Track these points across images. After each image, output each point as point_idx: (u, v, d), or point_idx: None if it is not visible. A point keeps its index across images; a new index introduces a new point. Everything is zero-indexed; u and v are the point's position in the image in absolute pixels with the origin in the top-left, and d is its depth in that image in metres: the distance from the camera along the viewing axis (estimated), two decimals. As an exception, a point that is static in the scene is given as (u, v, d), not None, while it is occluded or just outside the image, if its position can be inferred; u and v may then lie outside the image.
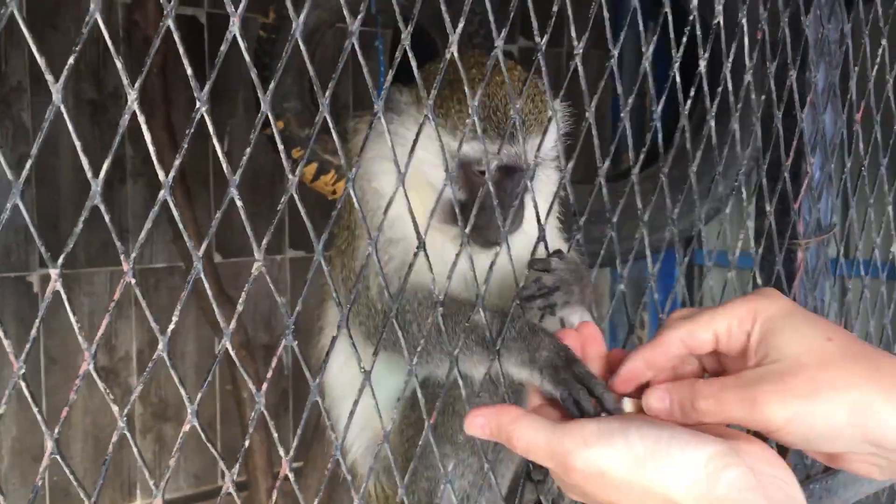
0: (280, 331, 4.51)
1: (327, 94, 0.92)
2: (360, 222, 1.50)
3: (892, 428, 0.82)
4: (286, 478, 1.00)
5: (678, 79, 1.24)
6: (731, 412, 0.86)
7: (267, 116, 0.92)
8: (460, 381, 1.09)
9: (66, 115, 0.77)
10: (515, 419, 0.89)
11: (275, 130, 0.98)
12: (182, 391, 0.88)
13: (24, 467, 3.82)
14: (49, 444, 0.80)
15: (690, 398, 0.88)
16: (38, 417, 0.80)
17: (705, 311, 0.94)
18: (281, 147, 0.97)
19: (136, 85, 0.79)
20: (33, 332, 0.79)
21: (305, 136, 3.13)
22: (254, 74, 0.89)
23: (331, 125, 0.96)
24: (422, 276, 1.04)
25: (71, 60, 0.76)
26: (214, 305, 0.90)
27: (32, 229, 0.76)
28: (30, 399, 0.79)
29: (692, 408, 0.88)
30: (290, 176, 0.91)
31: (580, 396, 1.00)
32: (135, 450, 0.88)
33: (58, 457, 0.81)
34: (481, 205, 1.05)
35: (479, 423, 0.91)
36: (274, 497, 1.14)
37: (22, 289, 3.88)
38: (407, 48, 0.95)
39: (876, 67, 1.66)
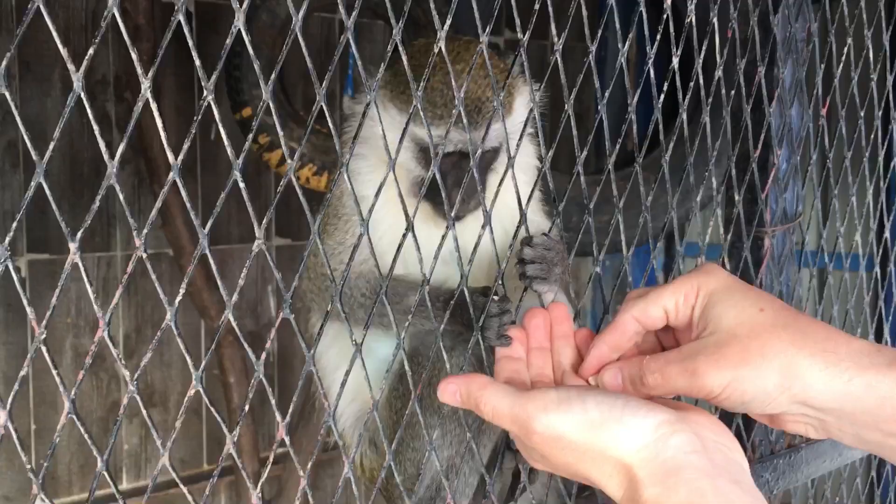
0: (266, 318, 4.57)
1: (324, 84, 0.98)
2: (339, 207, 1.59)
3: (817, 389, 0.90)
4: (282, 442, 1.06)
5: (652, 74, 1.32)
6: (675, 384, 0.94)
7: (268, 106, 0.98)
8: (444, 355, 1.16)
9: (86, 103, 0.84)
10: (483, 386, 0.97)
11: (275, 118, 1.04)
12: (187, 357, 0.94)
13: (11, 449, 3.86)
14: (66, 405, 0.87)
15: (639, 374, 0.97)
16: (57, 379, 0.86)
17: (655, 288, 1.03)
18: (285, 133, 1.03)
19: (150, 74, 0.85)
20: (53, 299, 0.86)
21: (272, 124, 3.19)
22: (257, 66, 0.96)
23: (328, 117, 1.02)
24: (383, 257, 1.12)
25: (91, 51, 0.82)
26: (222, 288, 0.97)
27: (57, 212, 0.82)
28: (50, 363, 0.85)
29: (641, 382, 0.97)
30: (289, 161, 0.97)
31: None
32: (148, 420, 0.95)
33: (74, 416, 0.87)
34: (433, 185, 1.11)
35: (451, 391, 0.99)
36: (262, 480, 1.20)
37: (8, 273, 3.91)
38: (399, 42, 1.02)
39: (841, 65, 1.74)
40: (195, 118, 0.92)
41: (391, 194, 1.08)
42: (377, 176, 1.07)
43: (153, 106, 0.87)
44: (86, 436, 0.89)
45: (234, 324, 0.98)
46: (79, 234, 0.84)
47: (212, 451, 4.43)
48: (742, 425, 1.63)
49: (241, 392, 3.71)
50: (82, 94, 0.82)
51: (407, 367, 1.13)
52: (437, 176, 1.08)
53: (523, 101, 1.57)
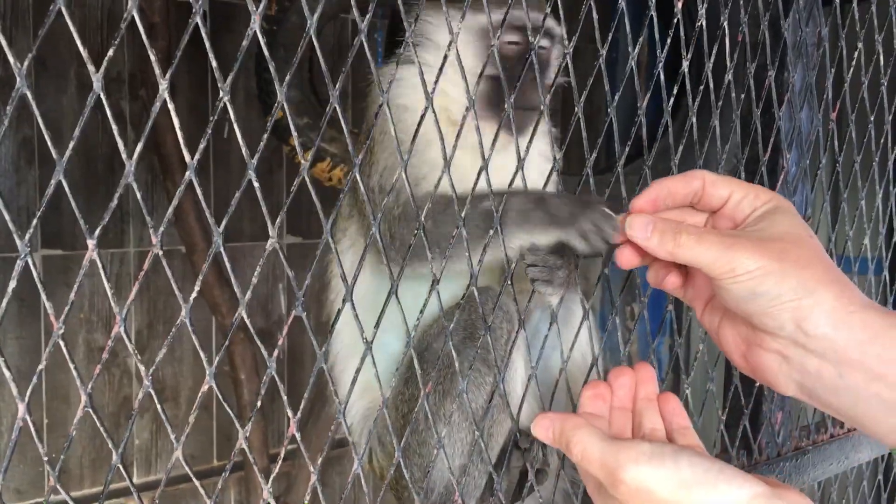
0: (276, 315, 4.60)
1: (338, 86, 1.00)
2: (378, 146, 1.56)
3: (822, 310, 0.91)
4: (292, 438, 1.08)
5: (662, 77, 1.33)
6: (705, 252, 0.94)
7: (284, 108, 0.99)
8: (454, 354, 1.17)
9: (105, 104, 0.85)
10: (577, 426, 0.96)
11: (287, 116, 1.05)
12: (201, 354, 0.96)
13: (24, 443, 3.89)
14: (83, 398, 0.89)
15: (673, 230, 0.97)
16: (74, 373, 0.88)
17: (730, 177, 1.05)
18: (296, 135, 1.05)
19: (167, 75, 0.87)
20: (71, 295, 0.88)
21: (304, 124, 3.21)
22: (272, 66, 0.97)
23: (339, 114, 1.04)
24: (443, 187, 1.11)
25: (110, 52, 0.84)
26: (236, 286, 0.98)
27: (77, 211, 0.84)
28: (67, 356, 0.87)
29: (672, 237, 0.96)
30: (302, 161, 0.99)
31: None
32: (163, 415, 0.96)
33: (90, 410, 0.89)
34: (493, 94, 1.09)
35: (545, 426, 0.98)
36: (273, 476, 1.22)
37: (22, 268, 3.95)
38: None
39: (852, 69, 1.75)
40: (211, 118, 0.93)
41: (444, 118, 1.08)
42: (443, 105, 1.09)
43: (171, 108, 0.89)
44: (101, 429, 0.91)
45: (247, 321, 1.00)
46: (97, 232, 0.86)
47: (221, 446, 4.46)
48: (748, 427, 1.64)
49: (252, 388, 3.73)
50: (102, 95, 0.84)
51: (416, 366, 1.14)
52: (496, 59, 1.09)
53: (557, 53, 1.61)
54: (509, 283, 1.25)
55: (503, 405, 1.42)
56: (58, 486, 0.89)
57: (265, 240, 1.00)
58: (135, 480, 4.25)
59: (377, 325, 1.09)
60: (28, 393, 0.85)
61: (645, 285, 1.41)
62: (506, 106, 1.14)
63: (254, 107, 4.03)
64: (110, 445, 0.93)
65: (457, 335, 1.39)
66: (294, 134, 1.04)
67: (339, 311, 1.06)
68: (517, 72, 1.24)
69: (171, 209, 0.92)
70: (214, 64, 0.92)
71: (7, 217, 0.84)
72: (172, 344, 4.61)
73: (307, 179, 1.02)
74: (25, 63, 0.79)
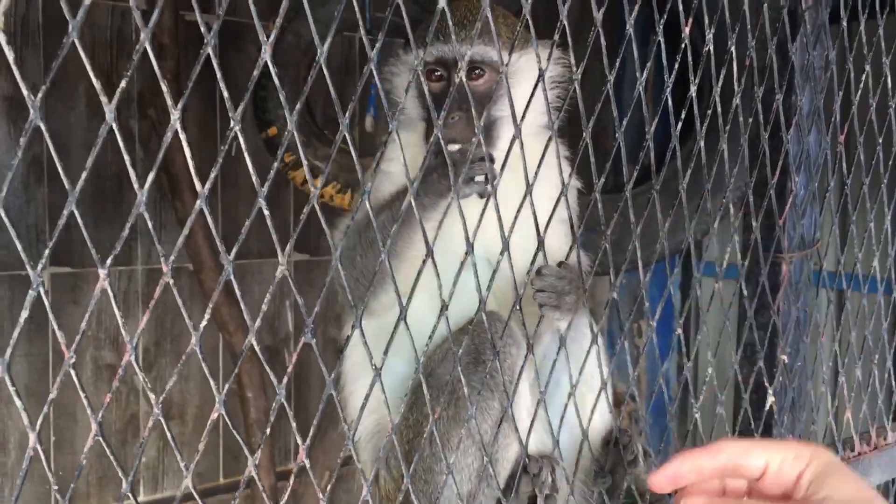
0: (283, 333, 4.60)
1: (349, 110, 1.01)
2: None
3: None
4: (301, 468, 1.08)
5: (670, 102, 1.33)
6: None
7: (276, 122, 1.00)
8: (462, 379, 1.17)
9: (116, 131, 0.86)
10: None
11: (293, 128, 1.06)
12: (211, 382, 0.96)
13: (31, 462, 3.88)
14: (94, 427, 0.89)
15: None
16: (85, 402, 0.88)
17: (761, 440, 1.01)
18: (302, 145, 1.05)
19: (179, 105, 0.88)
20: (83, 324, 0.88)
21: (300, 142, 3.24)
22: (281, 93, 0.98)
23: (346, 134, 1.04)
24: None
25: (123, 84, 0.84)
26: (242, 305, 0.99)
27: (88, 239, 0.84)
28: (78, 386, 0.88)
29: None
30: (312, 188, 0.99)
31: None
32: (171, 440, 0.96)
33: (100, 438, 0.89)
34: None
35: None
36: (287, 494, 1.22)
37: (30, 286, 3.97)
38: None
39: (859, 92, 1.75)
40: (221, 147, 0.94)
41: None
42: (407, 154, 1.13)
43: (182, 137, 0.90)
44: (111, 458, 0.91)
45: (256, 348, 1.00)
46: (108, 262, 0.86)
47: (228, 464, 4.46)
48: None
49: (259, 406, 3.73)
50: (114, 126, 0.85)
51: (426, 391, 1.14)
52: (424, 86, 1.11)
53: (529, 61, 1.60)
54: (518, 308, 1.25)
55: (510, 430, 1.42)
56: (67, 515, 0.89)
57: (273, 256, 1.01)
58: (142, 498, 4.25)
59: (386, 350, 1.09)
60: (39, 423, 0.85)
61: (654, 308, 1.40)
62: (429, 139, 1.16)
63: (245, 119, 4.06)
64: (120, 474, 0.93)
65: (462, 360, 1.40)
66: (304, 163, 1.04)
67: (348, 338, 1.06)
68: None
69: (181, 240, 0.93)
70: (226, 95, 0.93)
71: (19, 247, 0.84)
72: (178, 361, 4.60)
73: (316, 206, 1.03)
74: (39, 95, 0.79)
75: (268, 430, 1.05)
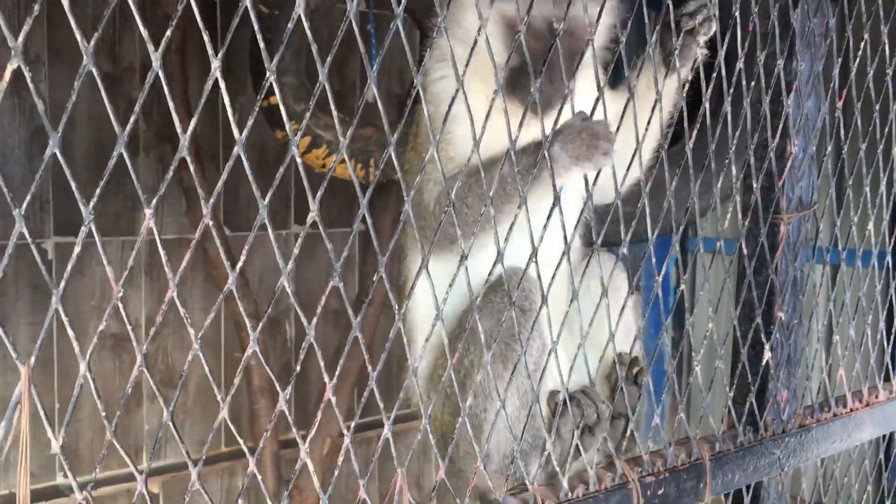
0: (284, 304, 4.65)
1: (326, 65, 1.05)
2: (424, 143, 1.63)
3: None
4: (342, 432, 1.14)
5: (678, 65, 1.38)
6: None
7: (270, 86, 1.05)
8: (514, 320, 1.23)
9: (97, 78, 0.91)
10: None
11: (280, 102, 1.11)
12: (216, 392, 1.02)
13: (36, 427, 3.95)
14: (82, 368, 0.94)
15: None
16: (75, 344, 0.93)
17: None
18: (284, 112, 1.11)
19: (159, 52, 0.92)
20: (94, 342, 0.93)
21: (301, 110, 3.26)
22: (263, 52, 1.03)
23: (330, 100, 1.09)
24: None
25: (138, 106, 0.89)
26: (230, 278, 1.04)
27: (78, 195, 0.89)
28: (71, 336, 0.93)
29: None
30: (293, 149, 1.04)
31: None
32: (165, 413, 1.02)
33: (87, 375, 0.95)
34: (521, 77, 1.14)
35: None
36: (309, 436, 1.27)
37: (34, 255, 4.02)
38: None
39: (858, 59, 1.80)
40: (205, 87, 0.99)
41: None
42: (471, 86, 1.17)
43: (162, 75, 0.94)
44: (98, 401, 0.96)
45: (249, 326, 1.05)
46: (153, 202, 0.91)
47: (230, 432, 4.51)
48: (755, 404, 1.70)
49: (262, 373, 3.79)
50: (94, 69, 0.89)
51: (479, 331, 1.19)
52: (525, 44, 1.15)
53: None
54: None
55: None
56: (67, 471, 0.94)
57: (277, 228, 1.05)
58: (144, 465, 4.32)
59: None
60: (61, 426, 0.90)
61: (659, 267, 1.47)
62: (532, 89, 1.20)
63: (245, 92, 4.07)
64: (107, 429, 0.97)
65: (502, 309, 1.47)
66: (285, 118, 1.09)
67: (414, 281, 1.12)
68: (541, 58, 1.32)
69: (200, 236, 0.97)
70: (207, 38, 0.97)
71: (20, 219, 0.89)
72: (182, 331, 4.66)
73: (299, 165, 1.08)
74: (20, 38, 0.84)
75: (271, 428, 1.11)
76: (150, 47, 0.89)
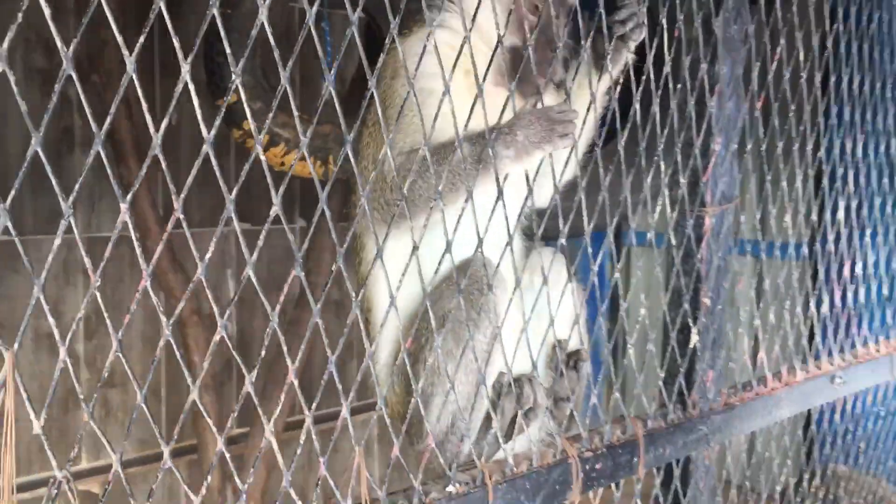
0: (225, 300, 4.66)
1: (288, 67, 1.13)
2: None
3: None
4: (246, 421, 1.21)
5: (611, 67, 1.49)
6: None
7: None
8: (462, 306, 1.32)
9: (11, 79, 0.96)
10: None
11: (245, 103, 1.18)
12: (188, 371, 1.08)
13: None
14: (7, 357, 1.00)
15: None
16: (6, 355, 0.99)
17: None
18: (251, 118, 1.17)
19: (71, 49, 0.98)
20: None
21: (257, 109, 3.29)
22: (229, 55, 1.09)
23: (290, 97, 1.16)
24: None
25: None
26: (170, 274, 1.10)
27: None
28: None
29: None
30: (258, 146, 1.11)
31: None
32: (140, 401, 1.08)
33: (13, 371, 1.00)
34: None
35: None
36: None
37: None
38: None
39: (775, 63, 1.95)
40: (122, 82, 1.05)
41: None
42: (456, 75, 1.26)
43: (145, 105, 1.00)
44: (27, 403, 1.01)
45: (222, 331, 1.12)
46: (128, 197, 0.97)
47: (171, 431, 4.52)
48: (684, 384, 1.82)
49: (206, 370, 3.80)
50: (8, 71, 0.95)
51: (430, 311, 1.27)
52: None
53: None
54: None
55: (497, 354, 1.57)
56: None
57: (214, 225, 1.09)
58: (84, 465, 4.28)
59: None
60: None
61: (595, 255, 1.57)
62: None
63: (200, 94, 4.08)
64: (36, 425, 1.02)
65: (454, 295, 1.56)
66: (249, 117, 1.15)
67: (376, 259, 1.19)
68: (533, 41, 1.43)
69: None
70: (120, 39, 1.04)
71: None
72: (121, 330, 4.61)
73: (264, 162, 1.14)
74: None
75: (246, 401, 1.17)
76: (125, 52, 0.95)
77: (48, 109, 0.94)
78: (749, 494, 2.30)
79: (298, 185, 4.77)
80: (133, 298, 1.02)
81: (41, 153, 0.95)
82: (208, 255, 1.10)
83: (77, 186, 1.00)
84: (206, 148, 1.05)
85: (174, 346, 1.13)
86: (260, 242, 1.15)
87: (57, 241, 0.96)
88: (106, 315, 1.04)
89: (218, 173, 1.11)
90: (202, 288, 1.16)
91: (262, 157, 1.14)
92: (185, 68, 1.01)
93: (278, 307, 1.16)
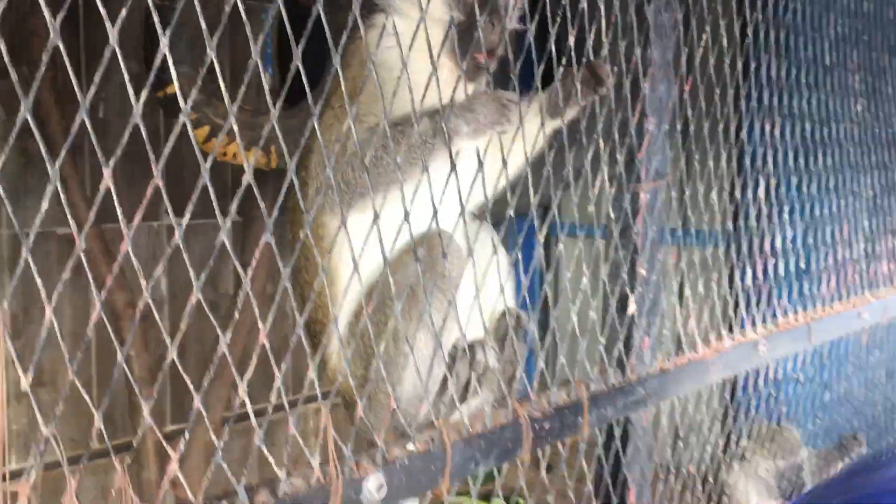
0: (159, 293, 4.60)
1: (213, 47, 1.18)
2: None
3: None
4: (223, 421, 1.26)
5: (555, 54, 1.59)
6: None
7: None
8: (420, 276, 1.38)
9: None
10: None
11: (179, 95, 1.22)
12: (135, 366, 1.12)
13: None
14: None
15: None
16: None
17: None
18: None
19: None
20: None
21: (200, 100, 3.30)
22: (165, 46, 1.15)
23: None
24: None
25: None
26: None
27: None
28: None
29: None
30: (212, 149, 1.17)
31: None
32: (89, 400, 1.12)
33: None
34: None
35: None
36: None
37: None
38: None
39: (701, 49, 2.09)
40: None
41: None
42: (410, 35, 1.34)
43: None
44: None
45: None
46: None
47: (106, 427, 4.44)
48: (623, 351, 1.94)
49: (142, 363, 3.77)
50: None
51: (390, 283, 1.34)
52: None
53: None
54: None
55: (453, 321, 1.64)
56: None
57: (148, 220, 1.13)
58: (13, 466, 4.18)
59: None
60: None
61: (520, 228, 1.67)
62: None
63: (141, 81, 4.02)
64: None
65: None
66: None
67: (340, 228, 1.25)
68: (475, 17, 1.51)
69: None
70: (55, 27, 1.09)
71: None
72: (51, 328, 4.51)
73: (200, 158, 1.19)
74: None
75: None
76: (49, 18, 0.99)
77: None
78: (682, 453, 2.43)
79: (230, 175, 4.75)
80: (55, 289, 1.02)
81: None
82: (129, 247, 1.10)
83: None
84: (136, 119, 1.09)
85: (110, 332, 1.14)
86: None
87: None
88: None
89: (152, 159, 1.13)
90: (135, 282, 1.17)
91: (195, 144, 1.17)
92: (113, 36, 1.05)
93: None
